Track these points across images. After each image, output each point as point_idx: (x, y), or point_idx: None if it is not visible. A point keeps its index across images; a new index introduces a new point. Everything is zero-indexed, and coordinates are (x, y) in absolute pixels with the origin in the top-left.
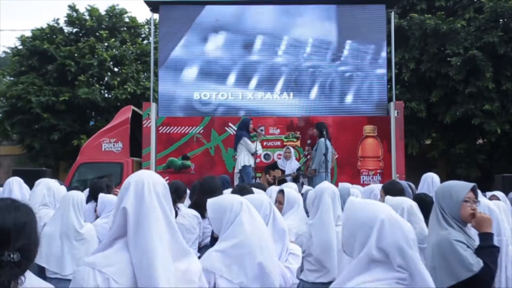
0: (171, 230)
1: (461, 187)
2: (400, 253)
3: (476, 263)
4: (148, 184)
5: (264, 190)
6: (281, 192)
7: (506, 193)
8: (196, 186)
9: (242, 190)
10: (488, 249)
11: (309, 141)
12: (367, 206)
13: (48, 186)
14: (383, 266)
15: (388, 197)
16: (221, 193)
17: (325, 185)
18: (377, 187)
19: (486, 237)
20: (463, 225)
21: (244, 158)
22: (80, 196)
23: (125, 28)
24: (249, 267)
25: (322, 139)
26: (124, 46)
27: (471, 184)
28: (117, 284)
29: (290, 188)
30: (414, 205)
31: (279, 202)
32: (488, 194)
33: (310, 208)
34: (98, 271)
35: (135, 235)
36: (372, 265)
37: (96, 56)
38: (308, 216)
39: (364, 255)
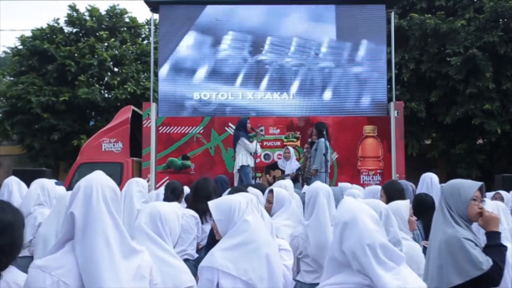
0: (119, 232)
1: (470, 185)
2: (354, 257)
3: (486, 261)
4: (96, 189)
5: (263, 190)
6: (271, 191)
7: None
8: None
9: (238, 191)
10: (496, 247)
11: (309, 140)
12: (343, 207)
13: (42, 185)
14: (350, 269)
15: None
16: (216, 195)
17: (319, 185)
18: (379, 188)
19: (493, 236)
20: (469, 224)
21: (242, 158)
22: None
23: (125, 28)
24: (257, 263)
25: (322, 139)
26: (124, 46)
27: (479, 183)
28: (66, 286)
29: (284, 187)
30: (388, 208)
31: (269, 201)
32: (489, 194)
33: (305, 208)
34: (48, 274)
35: (82, 239)
36: (342, 268)
37: (96, 56)
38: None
39: (330, 257)
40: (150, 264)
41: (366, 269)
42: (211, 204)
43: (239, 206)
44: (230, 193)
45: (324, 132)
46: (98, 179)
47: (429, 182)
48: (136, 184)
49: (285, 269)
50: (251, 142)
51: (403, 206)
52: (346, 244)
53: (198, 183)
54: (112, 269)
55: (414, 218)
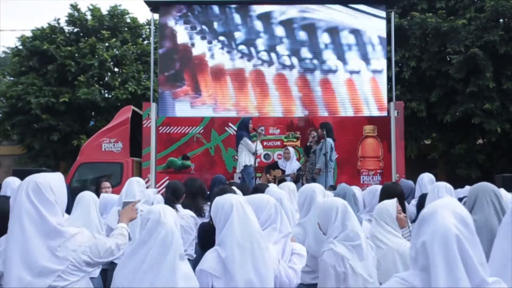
0: (39, 216)
1: None
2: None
3: None
4: (23, 184)
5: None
6: None
7: None
8: None
9: (224, 191)
10: None
11: (314, 135)
12: (428, 204)
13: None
14: (413, 269)
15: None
16: (203, 194)
17: (314, 185)
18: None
19: None
20: None
21: (245, 158)
22: (92, 197)
23: (126, 29)
24: (245, 272)
25: (329, 139)
26: (125, 47)
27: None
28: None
29: (287, 187)
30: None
31: None
32: None
33: (301, 208)
34: None
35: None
36: (412, 265)
37: (96, 56)
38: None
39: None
40: (77, 243)
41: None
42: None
43: (222, 206)
44: (215, 194)
45: (325, 132)
46: (30, 177)
47: (426, 182)
48: (137, 184)
49: (291, 271)
50: (253, 142)
51: (390, 204)
52: (419, 239)
53: (186, 182)
54: (22, 246)
55: (403, 215)
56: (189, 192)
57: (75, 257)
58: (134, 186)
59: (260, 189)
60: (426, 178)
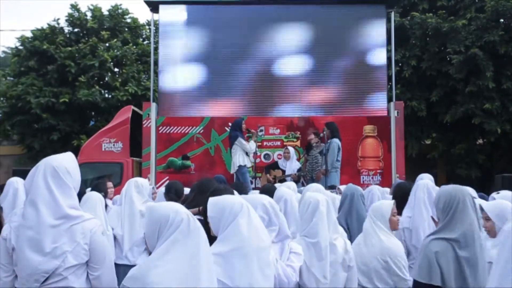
0: (53, 201)
1: None
2: None
3: None
4: (40, 168)
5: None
6: None
7: None
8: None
9: (217, 192)
10: None
11: (311, 142)
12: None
13: None
14: None
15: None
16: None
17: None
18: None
19: None
20: None
21: (239, 159)
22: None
23: (126, 29)
24: (245, 272)
25: (335, 139)
26: (125, 47)
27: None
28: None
29: (287, 187)
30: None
31: None
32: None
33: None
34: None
35: (24, 207)
36: None
37: (96, 56)
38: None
39: None
40: (86, 229)
41: None
42: (211, 200)
43: (230, 207)
44: (209, 195)
45: (324, 133)
46: (47, 160)
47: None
48: (135, 185)
49: (289, 270)
50: (247, 142)
51: (385, 205)
52: None
53: (202, 181)
54: (34, 228)
55: (397, 218)
56: (206, 189)
57: (83, 239)
58: (132, 187)
59: (270, 190)
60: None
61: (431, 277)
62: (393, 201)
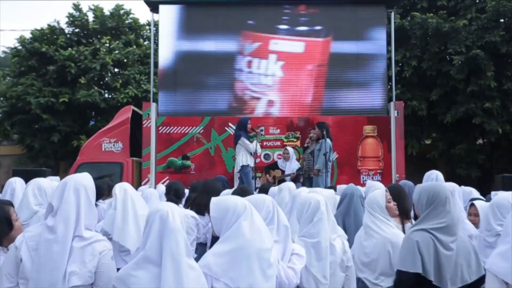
0: (79, 218)
1: None
2: None
3: None
4: (69, 184)
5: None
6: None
7: None
8: (195, 186)
9: (243, 191)
10: None
11: (312, 135)
12: None
13: (38, 185)
14: None
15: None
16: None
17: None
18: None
19: None
20: None
21: (242, 158)
22: None
23: (127, 30)
24: (246, 271)
25: (327, 139)
26: (127, 50)
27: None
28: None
29: (287, 187)
30: (367, 199)
31: None
32: (493, 194)
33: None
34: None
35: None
36: None
37: (97, 59)
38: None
39: None
40: (96, 250)
41: None
42: (213, 200)
43: (234, 208)
44: (233, 193)
45: (324, 132)
46: (75, 177)
47: (435, 179)
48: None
49: (290, 271)
50: (251, 142)
51: (379, 194)
52: None
53: (208, 182)
54: (57, 244)
55: (393, 203)
56: (211, 190)
57: (91, 261)
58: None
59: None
60: (440, 176)
61: (413, 265)
62: (385, 188)
